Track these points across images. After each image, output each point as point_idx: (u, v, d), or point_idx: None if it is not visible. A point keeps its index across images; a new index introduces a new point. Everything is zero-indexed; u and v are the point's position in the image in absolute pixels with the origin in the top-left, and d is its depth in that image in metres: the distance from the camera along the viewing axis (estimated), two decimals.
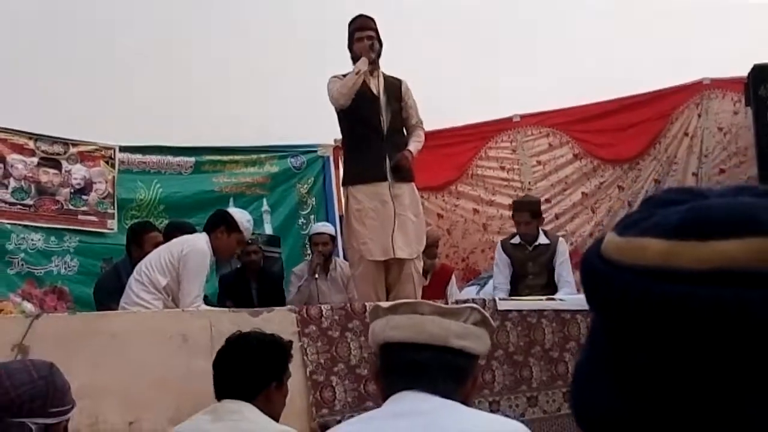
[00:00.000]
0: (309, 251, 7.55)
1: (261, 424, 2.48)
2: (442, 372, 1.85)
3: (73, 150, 6.60)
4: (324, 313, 4.29)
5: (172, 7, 7.90)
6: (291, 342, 2.90)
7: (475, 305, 1.96)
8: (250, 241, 5.95)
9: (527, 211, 5.79)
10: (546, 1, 8.64)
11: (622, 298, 0.64)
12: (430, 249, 5.71)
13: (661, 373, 0.63)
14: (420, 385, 1.83)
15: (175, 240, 4.91)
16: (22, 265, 6.20)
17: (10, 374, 1.96)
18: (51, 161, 6.49)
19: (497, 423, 1.84)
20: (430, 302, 1.94)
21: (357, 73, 5.18)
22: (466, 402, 1.87)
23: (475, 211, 7.73)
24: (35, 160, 6.42)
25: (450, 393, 1.84)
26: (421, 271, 5.41)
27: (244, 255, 5.95)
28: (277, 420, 2.59)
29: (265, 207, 7.42)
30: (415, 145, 5.37)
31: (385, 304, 1.97)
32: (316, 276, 5.98)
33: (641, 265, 0.63)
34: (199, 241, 4.79)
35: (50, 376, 2.01)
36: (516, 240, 5.82)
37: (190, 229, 5.72)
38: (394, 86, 5.42)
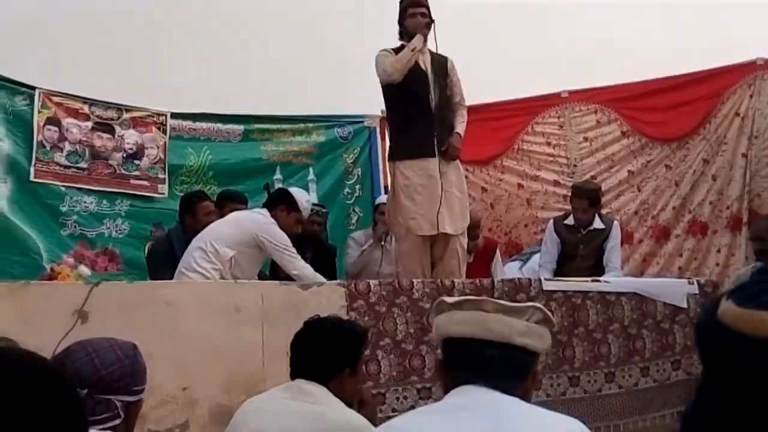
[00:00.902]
0: (353, 220, 7.67)
1: (334, 409, 2.55)
2: (504, 368, 1.91)
3: (126, 115, 6.71)
4: (372, 288, 4.37)
5: None
6: (368, 329, 2.96)
7: (538, 305, 2.01)
8: (317, 213, 6.09)
9: (587, 198, 5.79)
10: None
11: (742, 366, 0.68)
12: (472, 230, 5.73)
13: None
14: (482, 380, 1.89)
15: (239, 216, 5.07)
16: (75, 227, 6.34)
17: (98, 353, 2.07)
18: (105, 126, 6.60)
19: (557, 420, 1.89)
20: (495, 300, 1.99)
21: (413, 50, 5.19)
22: (525, 397, 1.93)
23: (520, 185, 7.74)
24: (89, 124, 6.53)
25: (511, 388, 1.90)
26: (465, 247, 5.45)
27: (306, 224, 6.05)
28: (350, 404, 2.66)
29: (311, 176, 7.49)
30: (461, 127, 5.41)
31: (449, 300, 2.03)
32: (383, 243, 6.06)
33: (759, 337, 0.67)
34: (263, 215, 5.00)
35: (135, 357, 2.13)
36: (570, 221, 5.82)
37: (243, 199, 5.84)
38: (441, 63, 5.43)
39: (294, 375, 2.69)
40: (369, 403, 2.99)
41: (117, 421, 2.06)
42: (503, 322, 1.91)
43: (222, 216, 5.25)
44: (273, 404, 2.64)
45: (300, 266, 4.88)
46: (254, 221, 4.97)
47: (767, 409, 0.67)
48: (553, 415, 1.93)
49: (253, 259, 4.95)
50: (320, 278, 4.81)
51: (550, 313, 2.00)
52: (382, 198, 6.76)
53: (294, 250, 4.96)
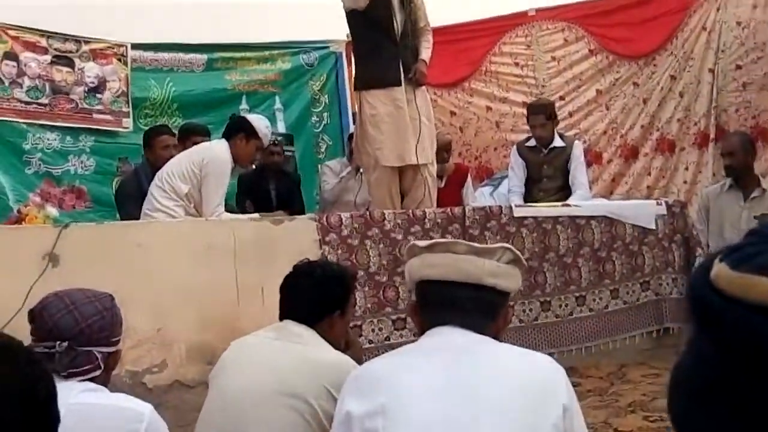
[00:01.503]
0: (322, 148, 7.63)
1: (321, 349, 2.57)
2: (476, 308, 1.94)
3: (85, 47, 6.55)
4: (344, 221, 4.37)
5: None
6: (356, 273, 2.97)
7: (507, 245, 2.02)
8: (274, 142, 5.98)
9: (542, 113, 5.76)
10: None
11: (735, 332, 0.68)
12: (441, 153, 5.70)
13: None
14: (455, 321, 1.92)
15: (195, 147, 4.94)
16: (40, 164, 6.25)
17: (77, 305, 2.08)
18: (64, 59, 6.44)
19: (528, 357, 1.93)
20: (465, 242, 2.00)
21: None
22: (497, 337, 1.96)
23: (488, 108, 7.71)
24: (48, 58, 6.37)
25: (483, 328, 1.93)
26: (435, 175, 5.43)
27: (266, 155, 5.97)
28: (337, 346, 2.68)
29: (278, 105, 7.41)
30: (426, 53, 5.28)
31: (421, 243, 2.03)
32: (361, 171, 6.02)
33: (754, 302, 0.67)
34: (220, 148, 4.81)
35: (113, 308, 2.15)
36: (531, 143, 5.82)
37: (205, 131, 5.74)
38: None
39: (283, 316, 2.70)
40: (355, 345, 3.02)
41: (97, 372, 2.08)
42: (474, 263, 1.93)
43: (184, 150, 5.14)
44: (260, 345, 2.66)
45: (212, 212, 4.66)
46: (204, 151, 4.82)
47: (758, 373, 0.67)
48: (525, 352, 1.97)
49: None
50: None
51: (519, 254, 2.01)
52: None
53: (222, 202, 4.74)
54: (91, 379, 2.08)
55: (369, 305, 4.32)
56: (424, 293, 2.01)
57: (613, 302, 4.93)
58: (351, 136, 6.35)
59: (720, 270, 0.71)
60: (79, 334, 2.06)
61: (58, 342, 2.03)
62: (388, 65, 5.12)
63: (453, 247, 1.97)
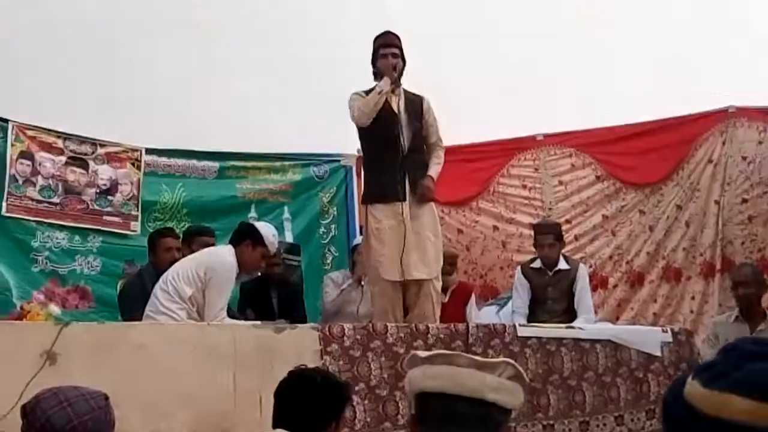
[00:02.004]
0: (329, 259, 7.64)
1: None
2: (476, 424, 1.89)
3: (100, 150, 6.67)
4: (346, 332, 4.33)
5: (209, 9, 7.97)
6: (352, 385, 2.94)
7: (509, 360, 1.99)
8: (273, 254, 5.99)
9: (551, 233, 5.81)
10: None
11: None
12: (446, 266, 5.71)
13: None
14: None
15: (201, 252, 4.97)
16: (46, 263, 6.26)
17: (70, 402, 2.05)
18: (78, 161, 6.55)
19: None
20: (467, 355, 1.97)
21: (379, 93, 5.16)
22: None
23: (495, 228, 7.76)
24: (63, 159, 6.48)
25: None
26: (439, 290, 5.42)
27: (267, 267, 5.98)
28: None
29: (286, 215, 7.46)
30: (435, 169, 5.34)
31: (422, 354, 2.01)
32: (362, 284, 6.02)
33: (725, 420, 0.66)
34: (225, 253, 4.83)
35: (106, 407, 2.14)
36: (537, 264, 5.84)
37: (210, 233, 5.78)
38: (415, 104, 5.38)
39: (276, 424, 2.65)
40: None
41: None
42: (475, 377, 1.90)
43: (192, 253, 5.17)
44: None
45: (214, 316, 4.66)
46: (209, 255, 4.86)
47: None
48: None
49: None
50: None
51: (522, 370, 1.98)
52: (359, 239, 6.75)
53: (226, 305, 4.76)
54: None
55: (368, 419, 4.23)
56: (424, 406, 1.97)
57: (618, 429, 4.82)
58: (354, 248, 6.38)
59: (692, 387, 0.71)
60: (72, 431, 2.02)
61: None
62: (392, 180, 5.16)
63: (455, 360, 1.94)
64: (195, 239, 5.62)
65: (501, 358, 2.03)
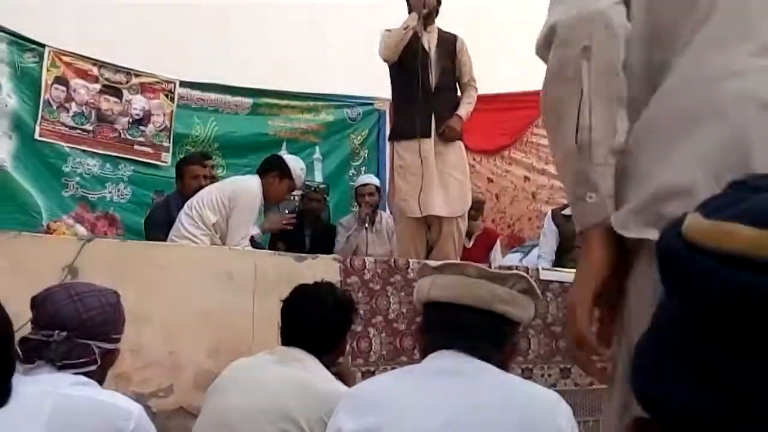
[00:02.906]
0: (355, 203, 7.62)
1: (322, 378, 2.51)
2: (483, 335, 1.88)
3: (134, 80, 6.68)
4: (367, 265, 4.33)
5: None
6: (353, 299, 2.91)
7: (522, 273, 1.97)
8: (315, 189, 6.02)
9: None
10: None
11: (703, 284, 0.62)
12: (473, 211, 5.67)
13: (745, 369, 0.61)
14: (460, 345, 1.86)
15: (226, 179, 4.98)
16: (77, 188, 6.32)
17: (81, 297, 2.05)
18: (112, 89, 6.57)
19: (535, 390, 1.86)
20: (478, 265, 1.95)
21: (405, 29, 5.12)
22: (503, 367, 1.90)
23: (526, 178, 7.68)
24: (97, 86, 6.50)
25: (489, 356, 1.86)
26: (463, 232, 5.38)
27: (306, 201, 6.00)
28: (338, 373, 2.62)
29: (317, 155, 7.45)
30: (465, 109, 5.29)
31: (433, 263, 1.99)
32: (366, 226, 6.02)
33: (726, 251, 0.61)
34: (251, 183, 4.85)
35: (117, 305, 2.14)
36: (568, 211, 5.75)
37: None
38: (449, 42, 5.33)
39: (286, 342, 2.64)
40: (350, 376, 2.96)
41: (93, 367, 2.04)
42: (485, 287, 1.88)
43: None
44: (259, 366, 2.60)
45: (237, 242, 4.70)
46: (234, 182, 4.88)
47: (726, 329, 0.61)
48: (529, 384, 1.90)
49: None
50: None
51: (534, 284, 1.96)
52: (361, 179, 6.74)
53: (248, 232, 4.80)
54: (85, 374, 2.04)
55: (384, 352, 4.24)
56: (431, 315, 1.96)
57: None
58: (357, 190, 6.47)
59: (692, 220, 0.65)
60: (80, 325, 2.03)
61: (57, 331, 2.01)
62: (419, 117, 5.10)
63: (465, 270, 1.92)
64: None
65: (513, 271, 2.00)
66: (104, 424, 1.89)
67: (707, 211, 0.65)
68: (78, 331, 2.02)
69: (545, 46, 1.39)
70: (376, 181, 6.52)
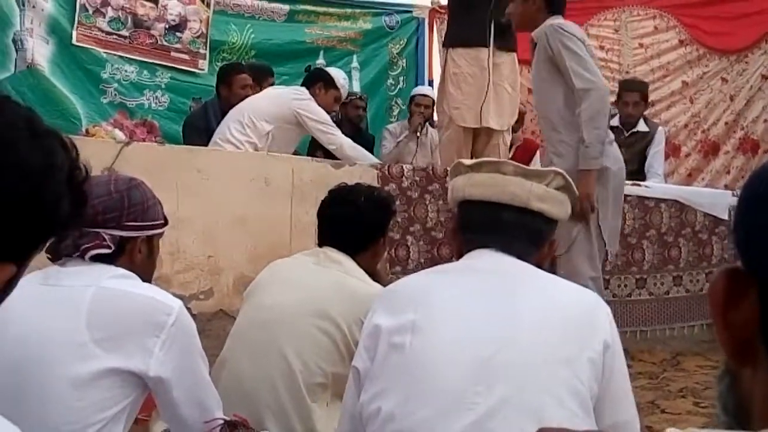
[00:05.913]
0: (395, 112, 7.56)
1: (359, 278, 2.51)
2: (520, 233, 1.84)
3: None
4: (405, 172, 4.31)
5: None
6: (393, 197, 2.89)
7: (559, 170, 1.92)
8: (360, 97, 6.01)
9: (638, 91, 5.63)
10: None
11: None
12: (515, 122, 5.60)
13: None
14: (496, 244, 1.83)
15: (281, 91, 5.11)
16: (115, 95, 6.30)
17: (92, 186, 1.99)
18: None
19: (573, 289, 1.83)
20: (514, 162, 1.91)
21: None
22: (540, 266, 1.86)
23: None
24: None
25: (525, 255, 1.83)
26: (508, 144, 5.34)
27: (349, 108, 5.98)
28: (374, 275, 2.62)
29: (355, 63, 7.34)
30: None
31: (467, 162, 1.95)
32: (418, 135, 5.97)
33: None
34: (303, 92, 4.96)
35: (127, 191, 1.97)
36: (614, 122, 5.63)
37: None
38: None
39: (323, 243, 2.63)
40: (383, 278, 2.95)
41: (107, 251, 1.93)
42: (521, 185, 1.83)
43: (260, 91, 5.20)
44: (298, 266, 2.61)
45: (339, 141, 4.84)
46: (293, 97, 4.93)
47: None
48: (569, 284, 1.87)
49: (289, 135, 4.93)
50: (361, 151, 4.81)
51: (571, 181, 1.91)
52: (418, 89, 6.65)
53: (333, 125, 4.95)
54: (107, 260, 1.99)
55: (422, 260, 4.26)
56: (466, 214, 1.92)
57: (675, 289, 4.76)
58: (412, 98, 6.35)
59: None
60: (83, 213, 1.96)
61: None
62: (477, 25, 4.98)
63: (501, 167, 1.87)
64: (266, 78, 5.68)
65: (550, 168, 1.96)
66: (144, 318, 1.87)
67: None
68: (86, 220, 1.87)
69: None
70: (433, 93, 6.43)
